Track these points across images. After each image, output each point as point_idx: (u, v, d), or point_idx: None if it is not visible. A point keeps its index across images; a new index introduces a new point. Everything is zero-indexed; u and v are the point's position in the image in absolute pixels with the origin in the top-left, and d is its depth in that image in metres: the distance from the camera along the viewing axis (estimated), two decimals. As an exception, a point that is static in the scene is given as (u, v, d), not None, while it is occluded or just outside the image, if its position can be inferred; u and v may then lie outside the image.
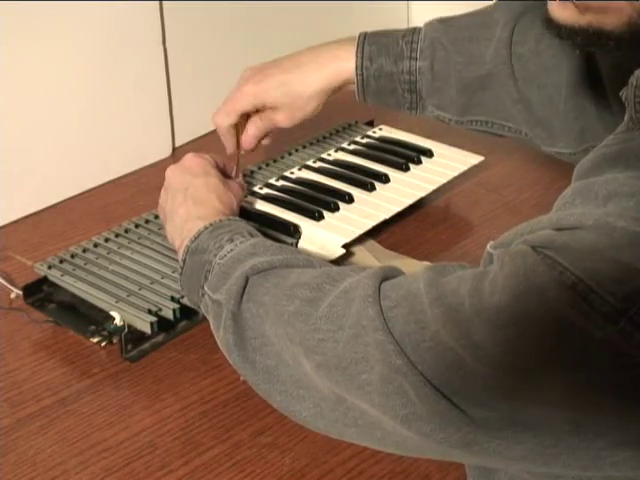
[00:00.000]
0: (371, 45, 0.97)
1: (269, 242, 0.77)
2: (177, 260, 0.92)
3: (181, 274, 0.81)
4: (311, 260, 0.72)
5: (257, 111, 1.02)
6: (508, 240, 0.57)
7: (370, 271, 0.64)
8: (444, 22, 0.97)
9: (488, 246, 0.58)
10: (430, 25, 0.97)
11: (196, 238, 0.80)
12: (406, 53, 0.96)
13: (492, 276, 0.54)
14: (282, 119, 1.01)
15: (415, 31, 0.97)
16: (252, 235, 0.79)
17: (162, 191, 0.92)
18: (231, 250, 0.75)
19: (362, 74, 0.97)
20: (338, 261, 0.94)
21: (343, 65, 0.98)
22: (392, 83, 0.97)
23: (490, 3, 1.28)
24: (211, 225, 0.80)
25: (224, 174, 0.94)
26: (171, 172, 0.91)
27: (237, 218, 0.84)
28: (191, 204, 0.85)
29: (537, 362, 0.50)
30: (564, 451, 0.52)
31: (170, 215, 0.87)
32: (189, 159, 0.92)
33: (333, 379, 0.61)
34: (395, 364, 0.56)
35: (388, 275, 0.63)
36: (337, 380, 0.61)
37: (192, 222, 0.82)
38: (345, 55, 0.98)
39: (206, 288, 0.75)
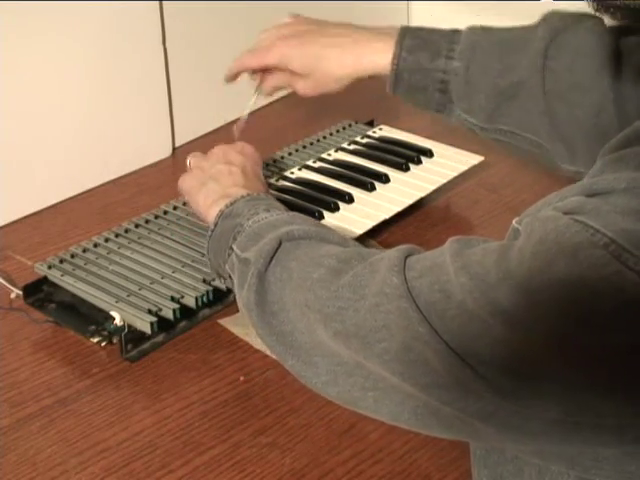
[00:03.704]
0: (412, 39, 0.97)
1: (306, 217, 0.80)
2: (178, 260, 0.94)
3: (210, 237, 0.83)
4: (345, 239, 0.74)
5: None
6: (535, 210, 0.56)
7: (396, 248, 0.65)
8: (487, 29, 0.96)
9: (513, 222, 0.58)
10: (472, 29, 0.96)
11: (232, 204, 0.83)
12: (443, 51, 0.95)
13: (519, 247, 0.54)
14: (303, 88, 1.02)
15: (456, 32, 0.96)
16: (288, 212, 0.81)
17: (202, 159, 0.95)
18: (266, 218, 0.78)
19: (397, 65, 0.97)
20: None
21: (380, 57, 0.98)
22: (425, 80, 0.96)
23: (491, 3, 1.27)
24: (249, 195, 0.84)
25: None
26: (222, 150, 0.95)
27: (275, 198, 0.87)
28: (241, 177, 0.89)
29: (570, 324, 0.50)
30: (588, 420, 0.51)
31: (217, 176, 0.90)
32: (247, 147, 0.97)
33: (352, 347, 0.62)
34: (417, 332, 0.56)
35: (413, 251, 0.64)
36: (355, 348, 0.61)
37: (236, 189, 0.86)
38: (384, 47, 0.98)
39: (234, 247, 0.77)
